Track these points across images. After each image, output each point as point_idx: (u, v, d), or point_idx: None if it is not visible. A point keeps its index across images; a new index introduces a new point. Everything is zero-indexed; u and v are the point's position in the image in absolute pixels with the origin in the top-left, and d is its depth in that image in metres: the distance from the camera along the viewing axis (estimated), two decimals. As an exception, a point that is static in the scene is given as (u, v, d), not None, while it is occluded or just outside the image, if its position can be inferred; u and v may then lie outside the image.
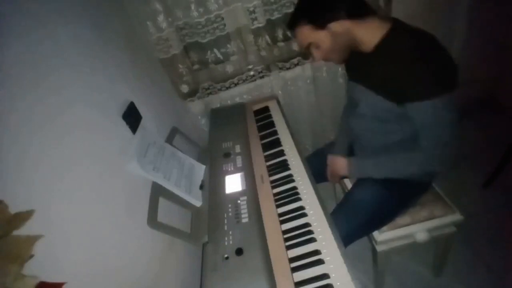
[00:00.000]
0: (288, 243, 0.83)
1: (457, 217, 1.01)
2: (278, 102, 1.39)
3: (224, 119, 1.30)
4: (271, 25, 1.32)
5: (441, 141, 0.81)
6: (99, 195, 0.65)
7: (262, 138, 1.21)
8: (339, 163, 1.07)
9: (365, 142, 1.05)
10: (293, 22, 0.90)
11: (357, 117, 1.00)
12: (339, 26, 0.82)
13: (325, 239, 0.81)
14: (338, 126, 1.24)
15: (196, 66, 1.36)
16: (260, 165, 1.06)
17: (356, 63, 0.93)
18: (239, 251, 0.78)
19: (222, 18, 1.26)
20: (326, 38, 0.85)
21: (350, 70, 1.04)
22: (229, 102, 1.50)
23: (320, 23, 0.84)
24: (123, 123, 0.82)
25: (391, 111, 0.86)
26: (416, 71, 0.75)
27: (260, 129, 1.26)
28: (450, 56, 0.76)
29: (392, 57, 0.79)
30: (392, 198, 0.97)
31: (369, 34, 0.84)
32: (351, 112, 1.04)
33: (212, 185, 1.00)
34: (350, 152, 1.15)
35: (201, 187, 1.02)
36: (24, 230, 0.44)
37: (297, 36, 0.92)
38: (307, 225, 0.86)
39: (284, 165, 1.07)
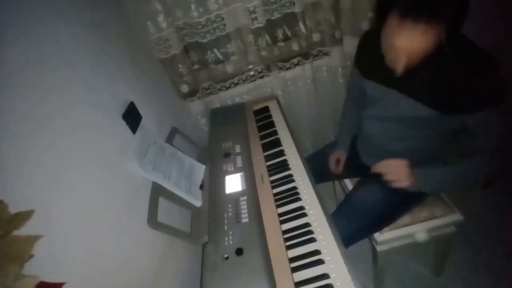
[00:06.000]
0: (288, 243, 0.83)
1: (457, 217, 1.01)
2: (278, 102, 1.39)
3: (224, 119, 1.30)
4: (271, 25, 1.33)
5: (501, 137, 0.77)
6: (99, 195, 0.65)
7: (262, 138, 1.21)
8: (404, 172, 0.82)
9: (379, 144, 0.99)
10: (436, 13, 0.65)
11: (375, 119, 0.95)
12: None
13: (325, 239, 0.81)
14: (340, 121, 1.21)
15: (196, 66, 1.36)
16: (260, 165, 1.06)
17: (385, 63, 0.84)
18: (239, 251, 0.78)
19: (222, 18, 1.26)
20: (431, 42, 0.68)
21: (371, 69, 0.93)
22: (229, 102, 1.50)
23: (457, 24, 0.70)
24: (123, 123, 0.82)
25: (425, 118, 0.81)
26: (480, 82, 0.72)
27: (260, 129, 1.26)
28: (494, 59, 0.73)
29: (447, 65, 0.74)
30: (395, 199, 0.95)
31: None
32: (367, 111, 0.99)
33: (212, 185, 1.00)
34: (351, 150, 1.14)
35: (201, 187, 1.02)
36: (24, 230, 0.44)
37: (421, 35, 0.66)
38: (307, 225, 0.86)
39: (284, 165, 1.07)
